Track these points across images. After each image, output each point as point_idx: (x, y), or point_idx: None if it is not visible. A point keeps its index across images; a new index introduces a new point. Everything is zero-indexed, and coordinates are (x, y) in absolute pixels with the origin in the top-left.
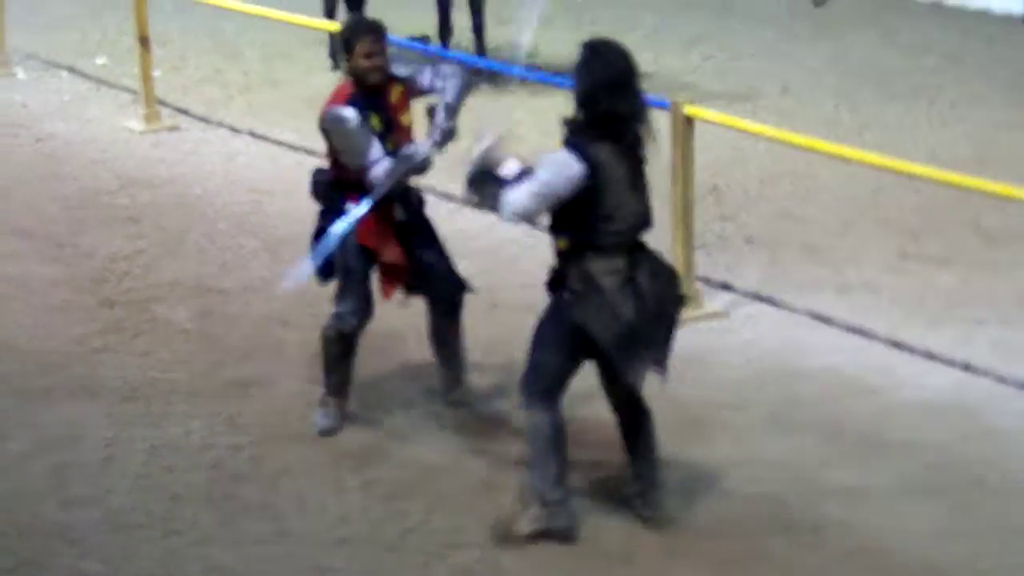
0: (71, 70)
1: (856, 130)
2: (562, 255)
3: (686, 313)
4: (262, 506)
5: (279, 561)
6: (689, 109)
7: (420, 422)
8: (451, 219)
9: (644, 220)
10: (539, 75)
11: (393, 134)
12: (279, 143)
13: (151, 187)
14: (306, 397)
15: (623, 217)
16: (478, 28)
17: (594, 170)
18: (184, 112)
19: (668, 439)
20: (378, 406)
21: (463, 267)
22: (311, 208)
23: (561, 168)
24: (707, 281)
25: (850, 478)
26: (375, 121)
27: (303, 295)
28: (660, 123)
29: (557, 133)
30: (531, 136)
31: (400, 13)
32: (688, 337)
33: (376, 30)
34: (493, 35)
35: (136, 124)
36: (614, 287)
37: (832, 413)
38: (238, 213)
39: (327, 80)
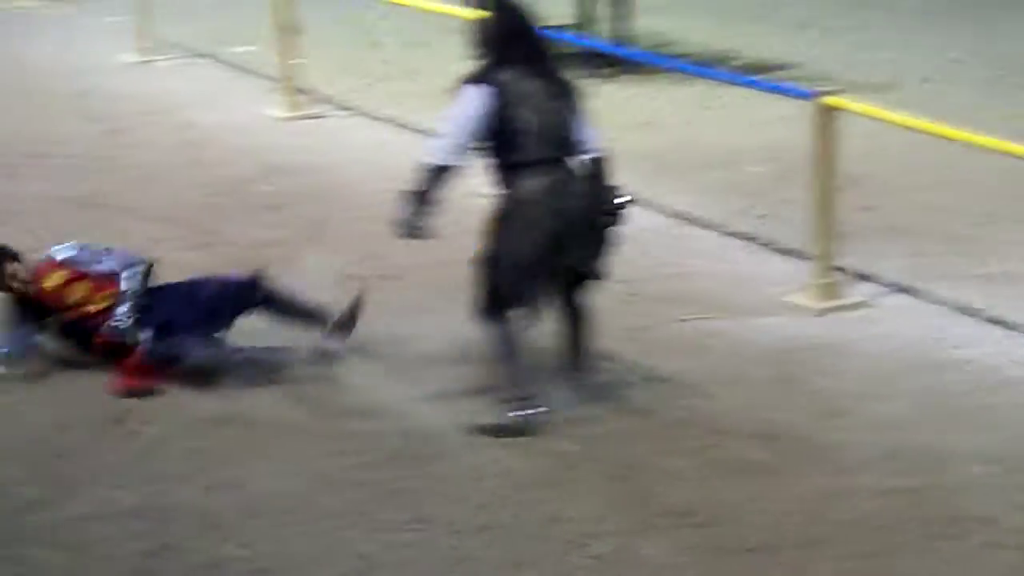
0: (214, 58)
1: (999, 120)
2: (494, 180)
3: (827, 303)
4: (402, 493)
5: (419, 548)
6: (830, 99)
7: (557, 411)
8: None
9: (567, 141)
10: (680, 64)
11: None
12: (418, 132)
13: (292, 175)
14: (448, 383)
15: (543, 135)
16: (620, 17)
17: (500, 88)
18: (325, 100)
19: (808, 430)
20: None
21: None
22: (454, 195)
23: (469, 98)
24: (848, 271)
25: (991, 472)
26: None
27: (442, 282)
28: (804, 112)
29: (697, 122)
30: (671, 124)
31: (543, 2)
32: (829, 327)
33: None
34: (635, 24)
35: (278, 112)
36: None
37: (975, 405)
38: (378, 201)
39: (466, 70)
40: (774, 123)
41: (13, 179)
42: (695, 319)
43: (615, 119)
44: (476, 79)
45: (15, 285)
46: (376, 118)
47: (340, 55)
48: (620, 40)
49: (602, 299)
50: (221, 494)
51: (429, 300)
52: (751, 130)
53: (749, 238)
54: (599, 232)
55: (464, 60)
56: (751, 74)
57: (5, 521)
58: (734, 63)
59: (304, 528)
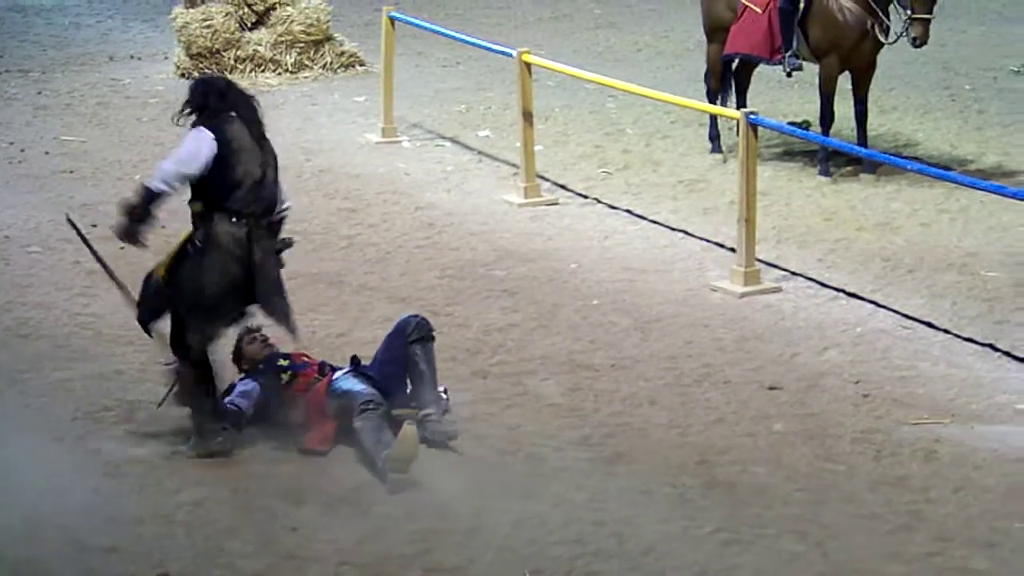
0: (455, 141)
1: None
2: (196, 217)
3: None
4: None
5: None
6: None
7: (784, 509)
8: (827, 308)
9: (271, 194)
10: (920, 166)
11: None
12: (655, 223)
13: (527, 261)
14: (673, 476)
15: (250, 185)
16: (860, 116)
17: (223, 140)
18: (563, 187)
19: None
20: (766, 491)
21: (834, 355)
22: (684, 288)
23: (198, 137)
24: None
25: None
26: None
27: (676, 374)
28: None
29: (935, 224)
30: (908, 226)
31: (783, 98)
32: None
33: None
34: (874, 123)
35: (515, 197)
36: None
37: None
38: (611, 290)
39: (706, 162)
40: (1014, 229)
41: None
42: (925, 423)
43: (852, 218)
44: (205, 124)
45: (247, 357)
46: (613, 207)
47: (581, 143)
48: (860, 139)
49: (834, 399)
50: None
51: (659, 392)
52: (990, 234)
53: (983, 344)
54: (278, 278)
55: (701, 153)
56: (993, 179)
57: None
58: (975, 167)
59: None
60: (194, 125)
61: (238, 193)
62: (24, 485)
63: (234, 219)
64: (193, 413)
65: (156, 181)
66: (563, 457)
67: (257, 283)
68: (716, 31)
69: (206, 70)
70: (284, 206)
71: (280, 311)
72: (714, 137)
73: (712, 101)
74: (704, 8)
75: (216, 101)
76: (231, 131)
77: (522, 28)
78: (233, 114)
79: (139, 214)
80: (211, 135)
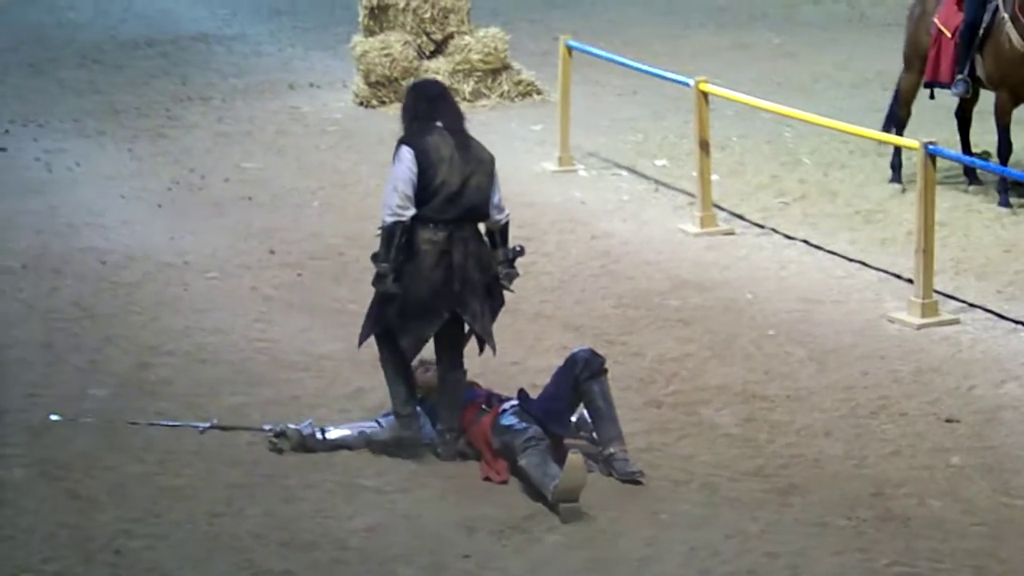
0: (631, 170)
1: None
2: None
3: None
4: None
5: None
6: None
7: (960, 543)
8: (1006, 340)
9: (471, 202)
10: None
11: None
12: (832, 253)
13: (703, 290)
14: (848, 508)
15: (447, 194)
16: None
17: (421, 152)
18: (739, 217)
19: None
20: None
21: (1012, 388)
22: (861, 319)
23: (400, 157)
24: None
25: None
26: None
27: (852, 405)
28: None
29: None
30: None
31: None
32: None
33: None
34: None
35: (691, 227)
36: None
37: None
38: (787, 320)
39: (884, 192)
40: None
41: None
42: None
43: None
44: (402, 140)
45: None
46: (790, 237)
47: (757, 173)
48: None
49: (1012, 432)
50: None
51: (834, 423)
52: None
53: None
54: (488, 292)
55: (879, 183)
56: None
57: None
58: None
59: None
60: (398, 141)
61: (435, 202)
62: (199, 509)
63: (431, 225)
64: (392, 399)
65: (384, 215)
66: (737, 487)
67: (455, 285)
68: (914, 58)
69: (384, 99)
70: (502, 215)
71: (474, 314)
72: (896, 166)
73: (889, 131)
74: (907, 34)
75: (424, 109)
76: (430, 142)
77: (699, 57)
78: (439, 123)
79: (384, 254)
80: (410, 150)
